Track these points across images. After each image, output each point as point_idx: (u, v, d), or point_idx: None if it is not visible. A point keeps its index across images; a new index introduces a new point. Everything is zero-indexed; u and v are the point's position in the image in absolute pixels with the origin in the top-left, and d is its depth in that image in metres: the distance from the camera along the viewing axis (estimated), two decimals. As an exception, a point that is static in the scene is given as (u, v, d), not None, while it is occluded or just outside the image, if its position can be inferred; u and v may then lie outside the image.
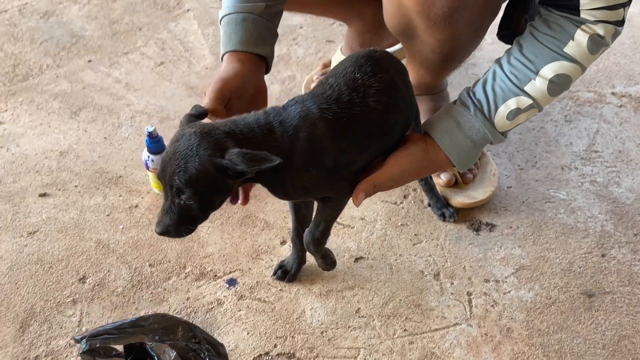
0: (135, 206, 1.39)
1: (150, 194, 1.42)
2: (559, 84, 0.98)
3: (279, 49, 1.86)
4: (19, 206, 1.38)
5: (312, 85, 1.72)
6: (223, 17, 1.09)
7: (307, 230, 1.05)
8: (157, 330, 0.89)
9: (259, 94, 1.06)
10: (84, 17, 2.07)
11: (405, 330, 1.15)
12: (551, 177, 1.48)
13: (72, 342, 1.10)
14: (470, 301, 1.20)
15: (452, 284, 1.23)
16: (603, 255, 1.30)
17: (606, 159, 1.54)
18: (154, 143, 1.31)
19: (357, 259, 1.28)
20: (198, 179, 0.81)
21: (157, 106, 1.69)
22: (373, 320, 1.16)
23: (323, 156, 0.91)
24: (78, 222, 1.35)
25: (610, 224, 1.36)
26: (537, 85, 0.98)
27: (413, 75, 1.41)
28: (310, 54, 1.91)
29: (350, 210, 1.37)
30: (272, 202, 1.40)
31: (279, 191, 0.96)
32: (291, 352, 1.11)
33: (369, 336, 1.14)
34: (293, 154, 0.88)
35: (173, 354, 0.85)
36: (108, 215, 1.37)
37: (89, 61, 1.87)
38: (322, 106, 0.90)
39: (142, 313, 1.17)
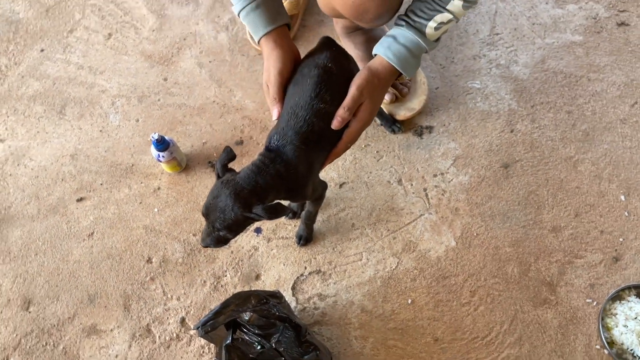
0: (158, 188, 1.74)
1: (164, 174, 1.76)
2: (470, 2, 1.27)
3: None
4: (67, 215, 1.71)
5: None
6: (240, 11, 1.34)
7: (304, 214, 1.54)
8: (238, 305, 1.34)
9: (297, 60, 1.37)
10: (15, 2, 2.10)
11: (388, 230, 1.65)
12: (467, 70, 1.87)
13: (168, 310, 1.56)
14: (427, 195, 1.69)
15: (412, 184, 1.70)
16: (512, 131, 1.77)
17: (505, 39, 1.92)
18: (161, 144, 1.61)
19: (340, 185, 1.71)
20: (232, 225, 1.17)
21: (129, 86, 1.91)
22: (365, 229, 1.65)
23: (313, 168, 1.30)
24: (120, 215, 1.70)
25: (514, 102, 1.81)
26: (455, 4, 1.27)
27: (347, 22, 1.69)
28: (239, -12, 2.06)
29: (323, 144, 1.76)
30: (262, 154, 1.76)
31: (297, 199, 1.40)
32: (317, 269, 1.60)
33: (365, 242, 1.63)
34: (297, 177, 1.25)
35: (248, 315, 1.32)
36: (140, 202, 1.72)
37: (42, 50, 1.99)
38: (305, 140, 1.23)
39: (203, 273, 1.61)
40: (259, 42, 1.37)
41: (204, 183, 1.74)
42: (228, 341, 1.29)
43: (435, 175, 1.71)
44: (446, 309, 1.53)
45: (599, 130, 1.75)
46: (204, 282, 1.60)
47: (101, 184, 1.75)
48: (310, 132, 1.24)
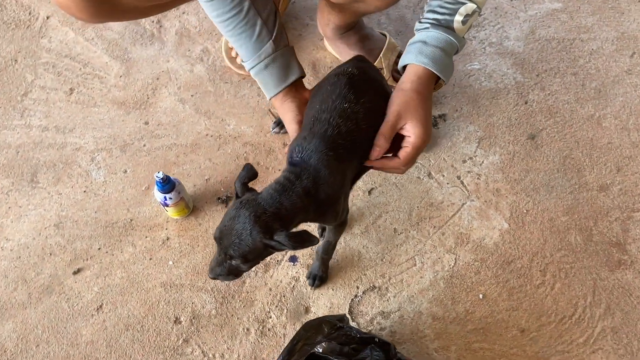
0: (167, 239, 1.51)
1: (170, 222, 1.54)
2: None
3: (171, 25, 1.87)
4: (65, 292, 1.45)
5: (233, 53, 1.80)
6: (250, 69, 1.24)
7: (321, 249, 1.35)
8: (309, 337, 1.13)
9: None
10: (-59, 72, 1.86)
11: (434, 227, 1.50)
12: (461, 54, 1.80)
13: (214, 369, 1.31)
14: (462, 182, 1.56)
15: (444, 175, 1.58)
16: (526, 102, 1.70)
17: (490, 19, 1.88)
18: (166, 184, 1.41)
19: (369, 192, 1.56)
20: (249, 253, 1.00)
21: (107, 137, 1.70)
22: (409, 232, 1.49)
23: (345, 179, 1.13)
24: (130, 278, 1.46)
25: (518, 74, 1.75)
26: None
27: (340, 20, 1.59)
28: (205, 19, 1.93)
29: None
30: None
31: (326, 220, 1.19)
32: (371, 285, 1.42)
33: (413, 245, 1.47)
34: (328, 191, 1.06)
35: (322, 346, 1.11)
36: (151, 259, 1.49)
37: (-5, 120, 1.76)
38: (332, 145, 1.06)
39: (243, 320, 1.39)
40: (271, 101, 1.29)
41: (217, 220, 1.53)
42: (312, 381, 1.07)
43: (464, 161, 1.60)
44: (522, 295, 1.38)
45: (609, 85, 1.71)
46: (247, 330, 1.37)
47: (99, 249, 1.51)
48: (337, 135, 1.07)
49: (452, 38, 1.17)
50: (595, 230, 1.46)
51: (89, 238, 1.52)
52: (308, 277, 1.42)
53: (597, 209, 1.49)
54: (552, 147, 1.61)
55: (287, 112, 1.25)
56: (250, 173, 1.07)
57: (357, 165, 1.14)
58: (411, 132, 1.15)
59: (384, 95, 1.16)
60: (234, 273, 1.06)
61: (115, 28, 1.92)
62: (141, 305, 1.41)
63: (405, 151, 1.15)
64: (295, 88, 1.28)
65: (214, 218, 1.53)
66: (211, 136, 1.68)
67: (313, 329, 1.14)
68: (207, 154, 1.65)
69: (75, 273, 1.47)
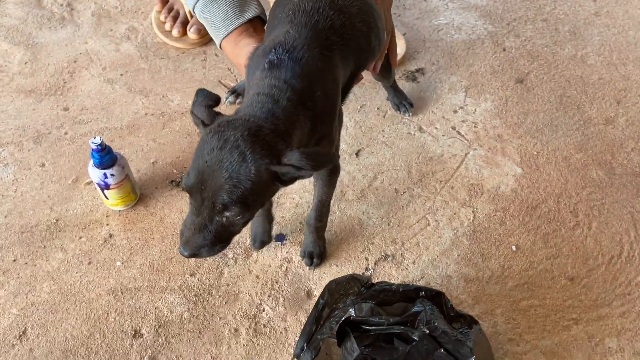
0: (110, 236, 1.15)
1: (110, 216, 1.18)
2: None
3: (85, 8, 1.59)
4: (-32, 322, 1.03)
5: (167, 27, 1.53)
6: (194, 6, 0.99)
7: (312, 215, 1.05)
8: (339, 299, 0.83)
9: None
10: None
11: (440, 181, 1.26)
12: (424, 11, 1.65)
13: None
14: (459, 132, 1.35)
15: (436, 128, 1.36)
16: (504, 49, 1.55)
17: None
18: (106, 155, 1.07)
19: (357, 154, 1.30)
20: (251, 193, 0.70)
21: (14, 129, 1.34)
22: (413, 190, 1.24)
23: (337, 87, 0.87)
24: (63, 291, 1.08)
25: (489, 25, 1.61)
26: None
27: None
28: (126, 0, 1.65)
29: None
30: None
31: (322, 142, 0.88)
32: (383, 254, 1.14)
33: (421, 203, 1.22)
34: (326, 99, 0.83)
35: (360, 305, 0.82)
36: (90, 263, 1.11)
37: None
38: (326, 42, 0.83)
39: (228, 318, 1.05)
40: (220, 46, 1.02)
41: (176, 207, 1.20)
42: (356, 354, 0.76)
43: (455, 112, 1.40)
44: (558, 240, 1.16)
45: (582, 27, 1.61)
46: (236, 330, 1.03)
47: (15, 260, 1.11)
48: (330, 30, 0.84)
49: None
50: (614, 162, 1.29)
51: (0, 249, 1.13)
52: (303, 256, 1.11)
53: (609, 142, 1.33)
54: (543, 89, 1.45)
55: (244, 49, 0.97)
56: (212, 97, 0.77)
57: (346, 76, 0.91)
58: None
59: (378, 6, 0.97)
60: (223, 238, 0.75)
61: (13, 14, 1.59)
62: (83, 322, 1.03)
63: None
64: (252, 27, 1.02)
65: (169, 204, 1.20)
66: (152, 115, 1.37)
67: (341, 289, 0.83)
68: (149, 134, 1.33)
69: (-18, 296, 1.06)
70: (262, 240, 1.11)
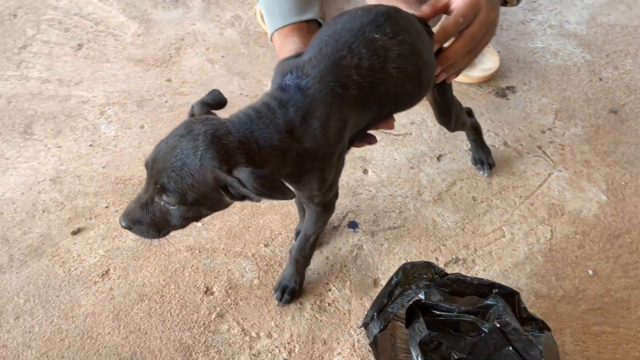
0: (194, 199, 1.21)
1: (197, 181, 1.24)
2: None
3: None
4: (60, 255, 1.11)
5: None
6: None
7: (295, 246, 1.00)
8: (412, 281, 0.84)
9: None
10: None
11: (520, 196, 1.25)
12: (521, 33, 1.65)
13: (258, 355, 0.98)
14: (544, 152, 1.34)
15: (522, 145, 1.35)
16: (600, 79, 1.52)
17: (545, 4, 1.75)
18: (205, 120, 1.13)
19: (438, 158, 1.31)
20: (191, 187, 0.69)
21: (121, 92, 1.44)
22: (492, 201, 1.24)
23: (344, 133, 0.80)
24: (147, 241, 1.14)
25: (587, 54, 1.59)
26: None
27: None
28: (235, -11, 1.75)
29: (397, 119, 1.38)
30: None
31: (302, 186, 0.82)
32: (453, 257, 1.14)
33: (499, 214, 1.21)
34: (318, 140, 0.76)
35: (432, 289, 0.83)
36: (173, 219, 1.17)
37: (-16, 70, 1.47)
38: (344, 79, 0.76)
39: (295, 292, 1.07)
40: (271, 38, 1.04)
41: (258, 183, 1.25)
42: (423, 335, 0.76)
43: (543, 132, 1.38)
44: (639, 272, 1.12)
45: (686, 68, 1.56)
46: (301, 304, 1.06)
47: (107, 207, 1.19)
48: (355, 68, 0.77)
49: None
50: None
51: (94, 195, 1.21)
52: (275, 290, 1.05)
53: None
54: (637, 121, 1.41)
55: (289, 46, 0.97)
56: (217, 97, 0.79)
57: (365, 119, 0.83)
58: (472, 23, 0.92)
59: (424, 43, 0.86)
60: (158, 223, 0.73)
61: (133, -9, 1.71)
62: (161, 272, 1.09)
63: (457, 41, 0.92)
64: (307, 29, 1.02)
65: (252, 179, 1.25)
66: (246, 96, 1.43)
67: (416, 272, 0.84)
68: (241, 113, 1.39)
69: (74, 233, 1.14)
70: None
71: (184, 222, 0.75)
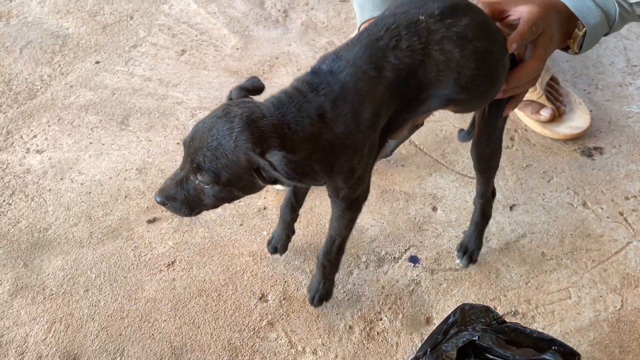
0: (264, 208, 1.26)
1: (269, 192, 1.29)
2: None
3: (297, 17, 1.75)
4: (133, 239, 1.18)
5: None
6: None
7: (322, 250, 1.00)
8: (469, 322, 0.83)
9: None
10: (53, 14, 1.76)
11: (592, 260, 1.20)
12: (617, 95, 1.60)
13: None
14: (626, 219, 1.28)
15: (602, 208, 1.30)
16: (698, 154, 1.44)
17: (647, 70, 1.69)
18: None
19: (511, 207, 1.29)
20: (225, 167, 0.71)
21: (213, 98, 1.52)
22: (561, 260, 1.20)
23: (378, 123, 0.78)
24: (214, 240, 1.19)
25: (686, 126, 1.52)
26: None
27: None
28: (333, 17, 1.82)
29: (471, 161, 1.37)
30: (397, 172, 1.35)
31: (332, 174, 0.81)
32: (512, 309, 1.11)
33: (567, 275, 1.17)
34: (348, 126, 0.76)
35: (488, 335, 0.81)
36: (241, 225, 1.22)
37: (97, 62, 1.61)
38: (379, 62, 0.75)
39: (346, 315, 1.08)
40: (359, 28, 1.04)
41: (327, 203, 1.27)
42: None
43: (627, 198, 1.32)
44: None
45: None
46: (350, 328, 1.06)
47: (182, 202, 1.25)
48: (392, 49, 0.75)
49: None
50: None
51: (173, 189, 1.28)
52: (309, 291, 1.07)
53: None
54: None
55: None
56: (256, 84, 0.81)
57: (400, 108, 0.80)
58: (538, 44, 0.89)
59: (487, 35, 0.81)
60: (192, 202, 0.76)
61: (239, 8, 1.82)
62: (222, 272, 1.13)
63: (526, 64, 0.89)
64: None
65: (321, 197, 1.28)
66: (329, 119, 1.48)
67: (473, 314, 0.83)
68: (321, 134, 1.43)
69: (149, 222, 1.21)
70: (275, 246, 1.11)
71: (216, 202, 0.77)
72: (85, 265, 1.13)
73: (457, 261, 1.17)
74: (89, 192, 1.26)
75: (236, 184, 0.74)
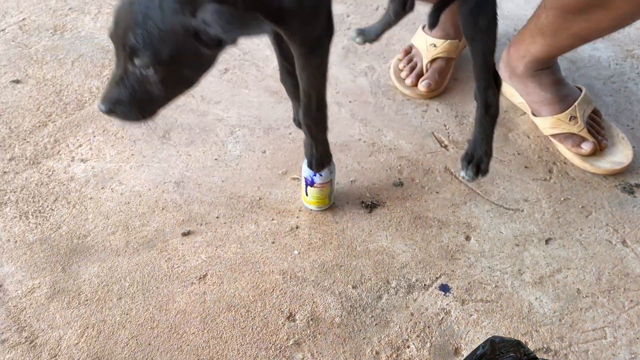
0: (296, 227, 1.27)
1: (303, 211, 1.30)
2: None
3: (338, 41, 1.78)
4: (167, 251, 1.21)
5: (402, 74, 1.67)
6: None
7: (301, 109, 0.90)
8: (498, 356, 0.82)
9: None
10: (104, 29, 1.83)
11: (631, 301, 1.16)
12: (661, 133, 1.56)
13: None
14: (668, 261, 1.24)
15: (642, 247, 1.26)
16: None
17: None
18: (323, 155, 1.20)
19: (547, 241, 1.27)
20: (161, 41, 0.63)
21: (252, 117, 1.55)
22: (598, 298, 1.16)
23: None
24: (245, 256, 1.20)
25: None
26: None
27: (543, 52, 1.41)
28: (376, 43, 1.83)
29: (510, 194, 1.36)
30: (431, 199, 1.34)
31: (283, 24, 0.73)
32: (544, 346, 1.08)
33: (603, 314, 1.14)
34: None
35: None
36: (273, 242, 1.23)
37: (143, 77, 1.66)
38: None
39: (373, 340, 1.07)
40: None
41: (359, 225, 1.28)
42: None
43: (669, 239, 1.28)
44: None
45: None
46: (377, 353, 1.05)
47: (217, 217, 1.28)
48: None
49: None
50: None
51: (209, 204, 1.31)
52: (305, 156, 1.08)
53: None
54: None
55: None
56: None
57: None
58: None
59: None
60: (140, 100, 0.67)
61: (283, 30, 1.86)
62: (252, 288, 1.14)
63: None
64: None
65: (353, 220, 1.28)
66: (364, 142, 1.49)
67: (503, 348, 0.82)
68: (356, 157, 1.44)
69: (184, 235, 1.24)
70: (299, 120, 0.99)
71: (167, 91, 0.70)
72: (120, 274, 1.16)
73: (462, 174, 1.04)
74: (128, 202, 1.30)
75: (180, 59, 0.67)
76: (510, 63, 1.52)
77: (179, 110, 1.55)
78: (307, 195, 1.27)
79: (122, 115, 0.71)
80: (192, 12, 0.62)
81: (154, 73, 0.66)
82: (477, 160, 1.04)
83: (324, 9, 0.81)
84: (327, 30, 0.83)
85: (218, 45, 0.66)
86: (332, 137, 1.48)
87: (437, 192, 1.36)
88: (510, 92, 1.59)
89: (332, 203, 1.31)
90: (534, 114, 1.51)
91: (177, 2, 0.62)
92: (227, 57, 1.75)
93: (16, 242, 1.20)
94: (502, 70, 1.55)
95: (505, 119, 1.57)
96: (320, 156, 1.02)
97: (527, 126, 1.54)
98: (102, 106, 0.70)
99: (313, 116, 0.93)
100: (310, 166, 1.04)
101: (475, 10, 0.93)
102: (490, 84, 1.02)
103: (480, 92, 1.03)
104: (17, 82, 1.59)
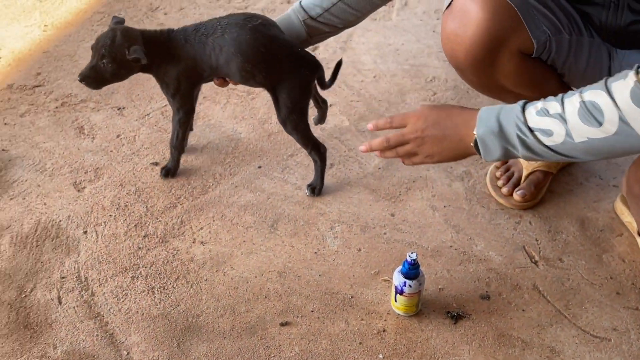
0: (383, 331, 1.37)
1: (391, 315, 1.40)
2: (589, 113, 0.94)
3: None
4: (266, 339, 1.35)
5: (499, 183, 1.73)
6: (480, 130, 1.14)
7: (170, 139, 1.74)
8: None
9: None
10: (231, 119, 2.08)
11: None
12: None
13: None
14: None
15: None
16: None
17: None
18: (414, 269, 1.30)
19: None
20: (113, 53, 1.40)
21: (351, 214, 1.69)
22: None
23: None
24: (334, 353, 1.32)
25: None
26: (573, 101, 0.97)
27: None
28: (473, 146, 1.92)
29: (599, 320, 1.37)
30: (517, 316, 1.39)
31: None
32: None
33: None
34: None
35: None
36: (360, 343, 1.34)
37: (259, 167, 1.87)
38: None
39: None
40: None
41: (443, 336, 1.35)
42: None
43: None
44: None
45: None
46: None
47: (312, 311, 1.41)
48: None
49: (520, 124, 1.03)
50: None
51: (305, 297, 1.45)
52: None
53: None
54: None
55: None
56: (120, 20, 1.51)
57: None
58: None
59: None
60: (99, 78, 1.45)
61: (387, 130, 2.00)
62: (337, 387, 1.25)
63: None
64: None
65: (438, 329, 1.36)
66: (455, 249, 1.57)
67: None
68: (446, 264, 1.53)
69: (282, 325, 1.38)
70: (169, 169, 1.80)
71: (112, 75, 1.45)
72: (225, 356, 1.32)
73: (306, 192, 1.72)
74: (237, 287, 1.48)
75: (120, 61, 1.42)
76: (629, 180, 1.54)
77: (287, 201, 1.73)
78: (395, 301, 1.37)
79: (87, 84, 1.44)
80: (128, 47, 1.41)
81: (110, 67, 1.42)
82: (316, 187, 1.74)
83: (185, 103, 1.68)
84: (184, 113, 1.72)
85: (137, 61, 1.41)
86: (424, 241, 1.59)
87: (523, 310, 1.41)
88: (620, 210, 1.61)
89: (419, 310, 1.40)
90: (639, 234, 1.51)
91: (125, 41, 1.42)
92: (334, 152, 1.93)
93: (143, 314, 1.41)
94: (623, 184, 1.55)
95: (600, 238, 1.59)
96: (171, 168, 1.80)
97: (624, 248, 1.55)
98: (79, 77, 1.43)
99: (175, 144, 1.76)
100: (162, 172, 1.79)
101: (282, 120, 1.68)
102: (311, 151, 1.76)
103: (310, 154, 1.80)
104: (156, 164, 1.86)
